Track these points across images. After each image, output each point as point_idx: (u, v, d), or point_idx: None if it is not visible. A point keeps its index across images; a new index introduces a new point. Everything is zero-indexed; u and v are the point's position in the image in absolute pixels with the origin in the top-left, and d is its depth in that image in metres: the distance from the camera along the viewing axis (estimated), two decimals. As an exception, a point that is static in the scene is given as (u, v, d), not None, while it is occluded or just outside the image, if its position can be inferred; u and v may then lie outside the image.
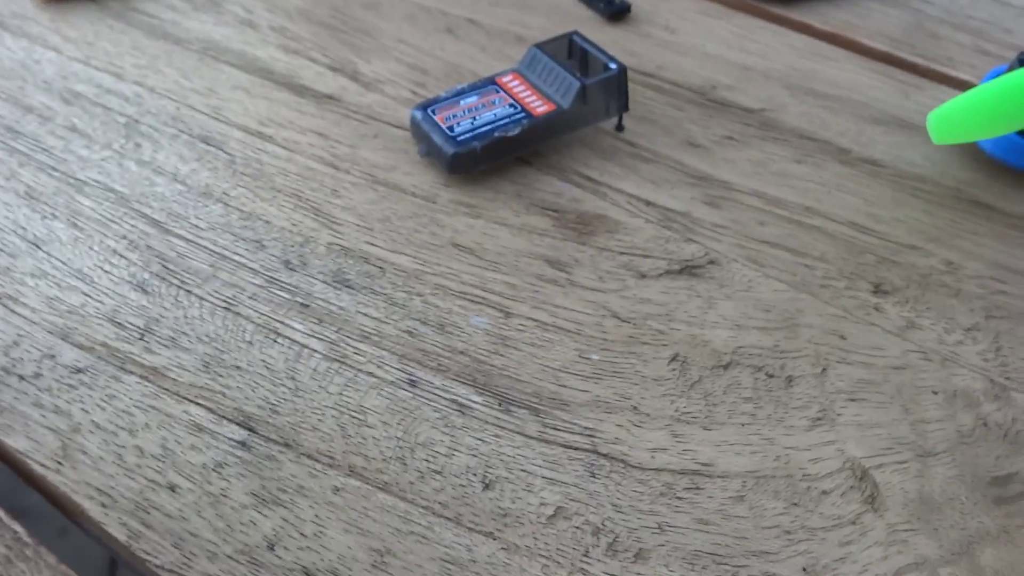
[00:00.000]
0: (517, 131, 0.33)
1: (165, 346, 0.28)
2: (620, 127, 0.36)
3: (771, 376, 0.28)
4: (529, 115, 0.34)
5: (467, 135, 0.33)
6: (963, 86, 0.40)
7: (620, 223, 0.32)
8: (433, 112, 0.34)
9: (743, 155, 0.35)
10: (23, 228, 0.31)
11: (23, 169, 0.33)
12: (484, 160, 0.33)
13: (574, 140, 0.35)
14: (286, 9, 0.41)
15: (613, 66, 0.34)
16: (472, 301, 0.29)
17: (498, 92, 0.35)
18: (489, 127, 0.33)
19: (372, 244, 0.31)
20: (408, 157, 0.34)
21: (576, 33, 0.36)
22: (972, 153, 0.36)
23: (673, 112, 0.37)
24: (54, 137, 0.34)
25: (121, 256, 0.30)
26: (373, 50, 0.39)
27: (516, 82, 0.35)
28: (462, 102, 0.34)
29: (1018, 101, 0.31)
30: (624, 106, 0.35)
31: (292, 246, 0.31)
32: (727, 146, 0.36)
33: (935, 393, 0.28)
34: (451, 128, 0.33)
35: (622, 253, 0.31)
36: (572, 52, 0.37)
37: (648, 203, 0.33)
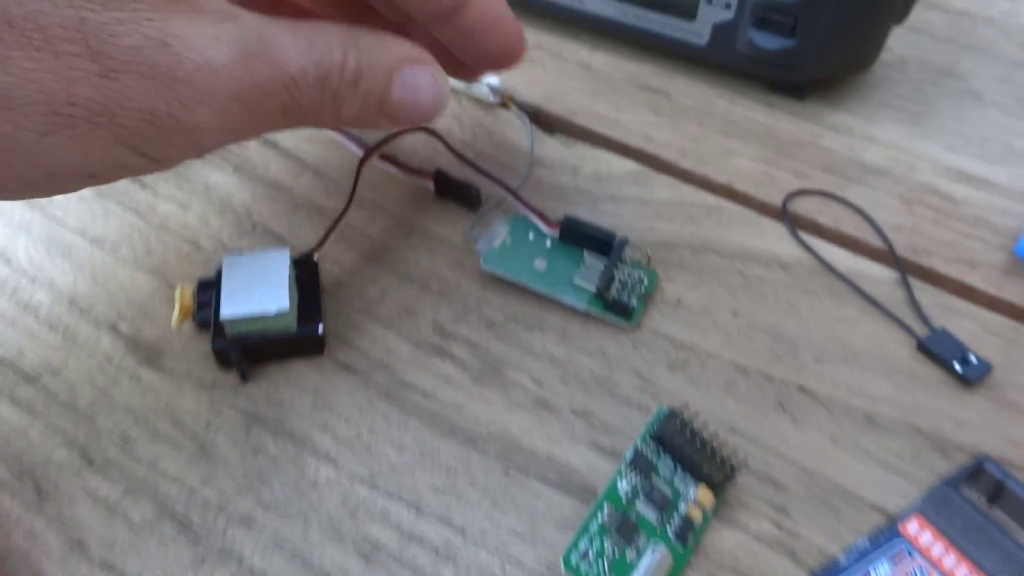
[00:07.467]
0: (970, 638, 0.26)
1: None
2: (1053, 583, 0.29)
3: None
4: (972, 605, 0.27)
5: (908, 646, 0.26)
6: None
7: None
8: (841, 591, 0.27)
9: None
10: None
11: None
12: None
13: (1006, 611, 0.28)
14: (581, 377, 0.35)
15: (1063, 528, 0.28)
16: None
17: (910, 555, 0.28)
18: (930, 629, 0.26)
19: None
20: (810, 647, 0.28)
21: (987, 458, 0.30)
22: None
23: (1103, 548, 0.30)
24: (365, 622, 0.28)
25: None
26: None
27: (927, 534, 0.28)
28: (872, 574, 0.28)
29: None
30: (1068, 567, 0.28)
31: None
32: None
33: None
34: (878, 628, 0.26)
35: None
36: (982, 478, 0.30)
37: None
